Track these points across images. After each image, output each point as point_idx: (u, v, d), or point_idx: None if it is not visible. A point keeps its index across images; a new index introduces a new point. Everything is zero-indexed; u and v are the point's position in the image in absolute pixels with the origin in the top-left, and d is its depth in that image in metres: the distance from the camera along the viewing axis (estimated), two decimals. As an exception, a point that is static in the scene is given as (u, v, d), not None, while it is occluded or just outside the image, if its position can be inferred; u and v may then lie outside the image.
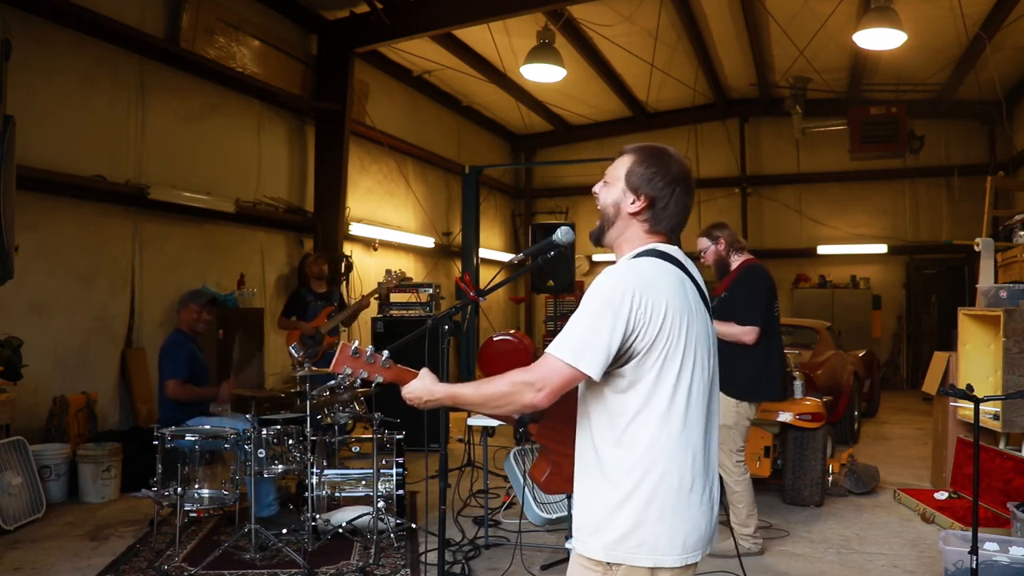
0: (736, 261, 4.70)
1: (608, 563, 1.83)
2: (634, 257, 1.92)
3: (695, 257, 5.03)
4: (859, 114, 11.25)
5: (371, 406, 5.47)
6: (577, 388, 1.93)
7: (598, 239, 2.03)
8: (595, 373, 1.76)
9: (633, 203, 1.94)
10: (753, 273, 4.59)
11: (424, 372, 2.01)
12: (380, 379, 2.04)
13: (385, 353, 2.06)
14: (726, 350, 4.39)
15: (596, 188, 2.03)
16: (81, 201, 6.32)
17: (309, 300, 7.34)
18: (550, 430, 2.09)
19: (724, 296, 4.55)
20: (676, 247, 1.97)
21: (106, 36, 6.39)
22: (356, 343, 2.05)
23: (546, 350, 1.80)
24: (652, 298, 1.78)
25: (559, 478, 2.09)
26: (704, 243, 4.75)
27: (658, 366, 1.80)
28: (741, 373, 4.43)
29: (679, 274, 1.89)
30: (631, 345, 1.78)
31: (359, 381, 2.09)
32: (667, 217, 1.95)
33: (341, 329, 8.15)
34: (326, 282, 7.60)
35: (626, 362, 1.80)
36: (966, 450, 5.56)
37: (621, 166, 1.98)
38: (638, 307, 1.77)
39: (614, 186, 1.97)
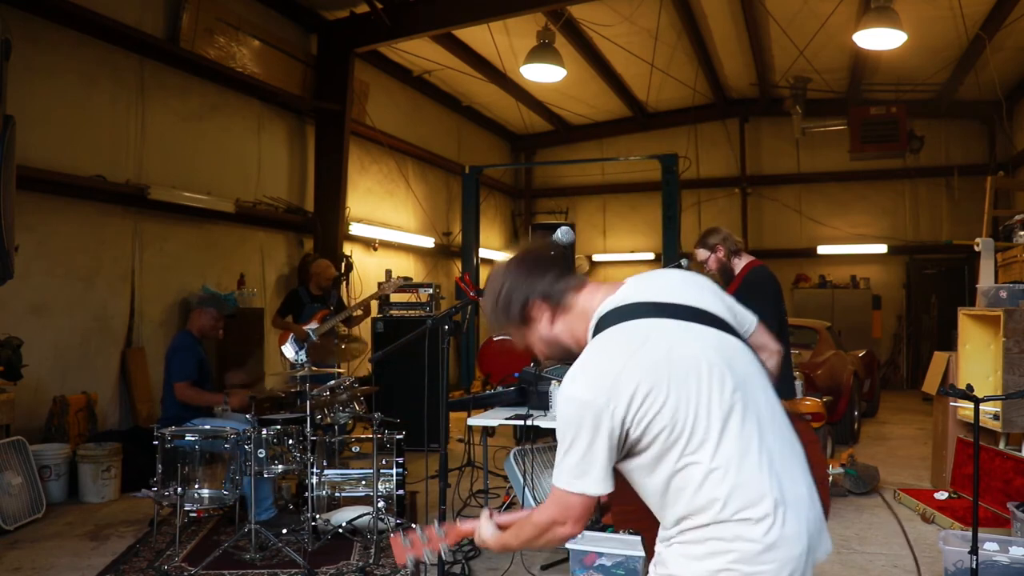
0: (739, 264, 4.66)
1: None
2: (592, 337, 1.71)
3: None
4: (859, 114, 11.25)
5: (371, 406, 5.47)
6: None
7: (574, 360, 1.79)
8: (604, 489, 1.63)
9: (543, 319, 1.78)
10: (759, 278, 4.55)
11: (483, 521, 1.88)
12: (447, 547, 1.98)
13: (436, 524, 1.97)
14: None
15: (538, 352, 1.87)
16: (81, 201, 6.32)
17: (305, 301, 7.32)
18: (626, 513, 1.99)
19: None
20: (627, 285, 1.75)
21: (106, 36, 6.39)
22: (401, 533, 1.95)
23: (552, 482, 1.69)
24: (617, 391, 1.57)
25: None
26: (703, 254, 4.69)
27: (664, 435, 1.59)
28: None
29: (635, 327, 1.65)
30: (627, 439, 1.61)
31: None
32: (555, 283, 1.76)
33: (343, 331, 8.13)
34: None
35: (633, 451, 1.63)
36: (966, 450, 5.56)
37: (510, 330, 1.85)
38: (613, 406, 1.57)
39: (526, 338, 1.84)
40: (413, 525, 2.01)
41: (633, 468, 1.66)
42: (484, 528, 1.89)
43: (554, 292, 1.76)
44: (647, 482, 1.67)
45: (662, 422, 1.58)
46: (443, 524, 1.98)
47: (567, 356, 1.81)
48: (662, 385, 1.58)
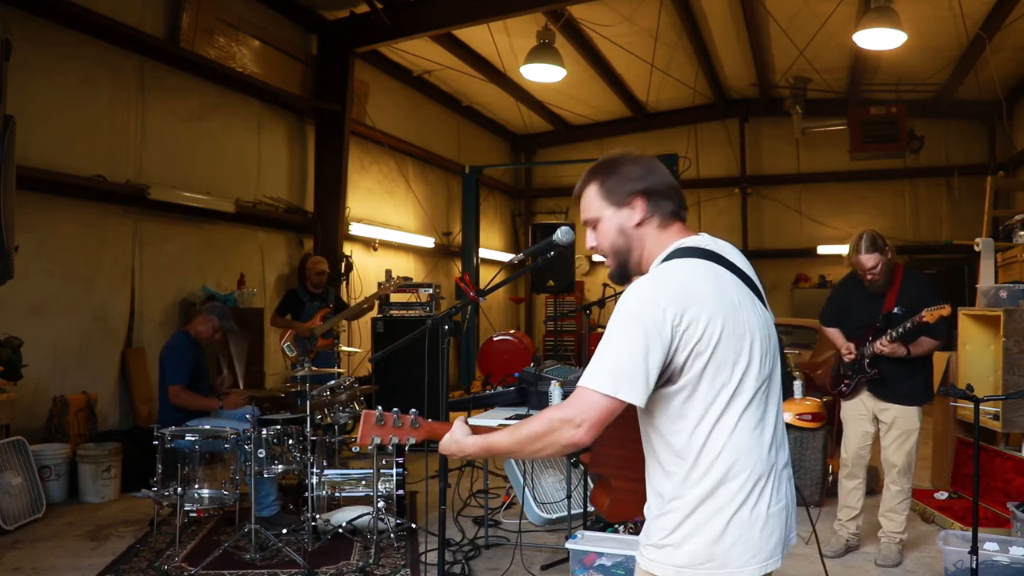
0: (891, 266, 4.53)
1: None
2: (661, 263, 1.77)
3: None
4: (859, 114, 11.24)
5: (371, 406, 5.46)
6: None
7: (623, 276, 1.85)
8: (639, 400, 1.62)
9: (632, 213, 1.80)
10: (923, 276, 4.61)
11: (457, 425, 1.86)
12: (413, 440, 1.93)
13: (412, 412, 1.94)
14: (904, 363, 4.32)
15: (590, 241, 1.87)
16: (81, 201, 6.32)
17: (305, 300, 7.32)
18: (604, 456, 1.99)
19: (906, 310, 4.36)
20: (704, 236, 1.82)
21: (106, 36, 6.38)
22: (379, 409, 1.90)
23: (579, 383, 1.65)
24: (687, 305, 1.63)
25: (623, 505, 2.01)
26: (874, 259, 4.39)
27: (709, 375, 1.66)
28: (923, 380, 4.48)
29: (713, 268, 1.72)
30: (672, 360, 1.64)
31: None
32: (665, 200, 1.80)
33: (341, 329, 8.13)
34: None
35: (672, 378, 1.67)
36: (966, 450, 5.56)
37: (591, 198, 1.83)
38: (673, 321, 1.61)
39: (603, 219, 1.83)
40: (393, 410, 1.96)
41: (667, 394, 1.69)
42: (458, 429, 1.86)
43: (661, 202, 1.81)
44: (669, 414, 1.69)
45: (709, 351, 1.64)
46: (419, 418, 1.93)
47: (623, 262, 1.83)
48: (727, 322, 1.66)
